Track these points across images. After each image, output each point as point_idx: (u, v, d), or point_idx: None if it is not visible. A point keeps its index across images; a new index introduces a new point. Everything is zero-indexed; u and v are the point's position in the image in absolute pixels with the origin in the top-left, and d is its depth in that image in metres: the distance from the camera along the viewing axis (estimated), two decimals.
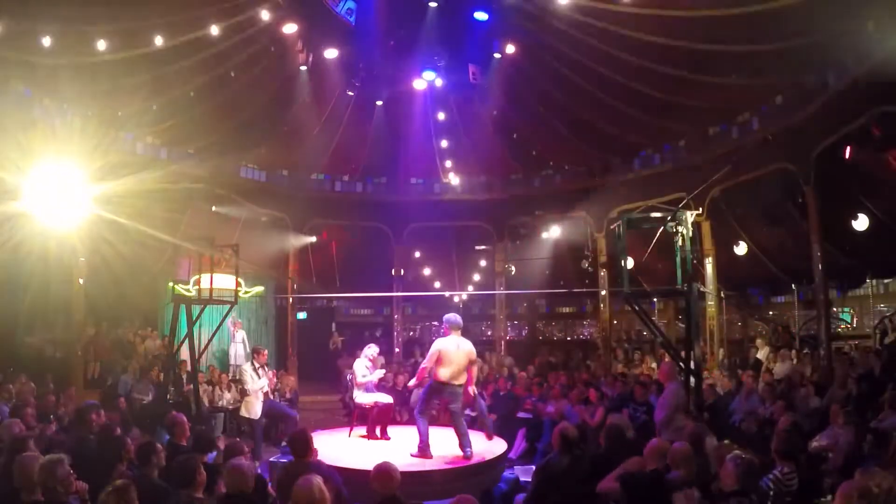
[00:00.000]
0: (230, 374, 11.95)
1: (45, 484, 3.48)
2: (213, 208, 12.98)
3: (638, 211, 10.43)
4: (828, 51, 8.92)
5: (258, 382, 8.51)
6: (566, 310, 18.34)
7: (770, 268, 13.50)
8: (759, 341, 12.01)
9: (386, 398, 8.24)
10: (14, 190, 10.32)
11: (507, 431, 9.09)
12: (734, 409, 8.30)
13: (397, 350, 15.42)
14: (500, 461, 7.27)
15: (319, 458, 5.13)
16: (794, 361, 10.27)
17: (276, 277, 14.78)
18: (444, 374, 6.93)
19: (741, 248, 13.32)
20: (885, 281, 12.72)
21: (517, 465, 7.99)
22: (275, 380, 9.30)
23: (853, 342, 12.04)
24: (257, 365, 8.59)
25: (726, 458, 3.99)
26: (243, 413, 8.81)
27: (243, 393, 8.89)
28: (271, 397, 8.78)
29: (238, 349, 12.79)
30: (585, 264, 13.44)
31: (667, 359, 9.15)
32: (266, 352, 9.02)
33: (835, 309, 12.96)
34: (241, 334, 13.04)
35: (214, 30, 10.53)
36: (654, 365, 12.34)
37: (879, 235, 10.60)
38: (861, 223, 10.56)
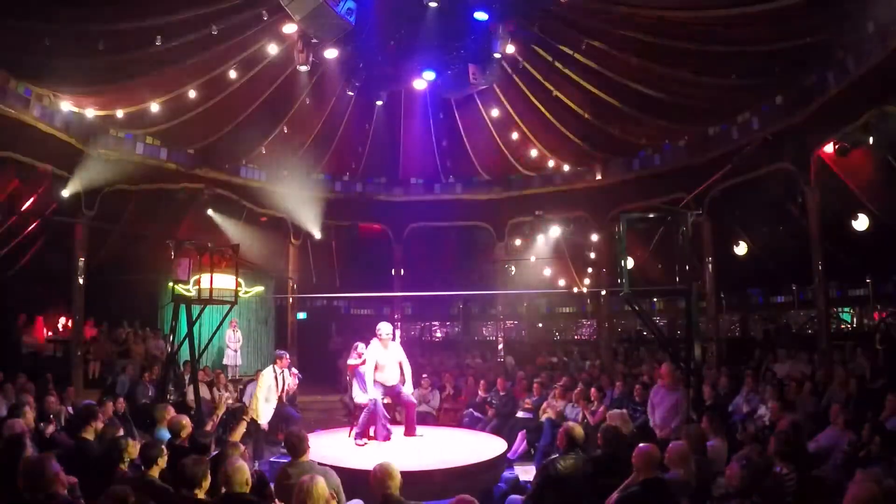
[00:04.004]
0: (228, 375, 11.96)
1: (34, 482, 3.45)
2: (209, 211, 12.98)
3: (638, 211, 10.43)
4: (828, 51, 8.93)
5: (273, 390, 8.21)
6: (566, 310, 18.33)
7: (770, 268, 13.51)
8: None
9: (386, 398, 8.21)
10: (15, 190, 10.38)
11: (507, 431, 9.10)
12: (734, 409, 8.30)
13: None
14: (500, 461, 7.27)
15: (319, 457, 5.13)
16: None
17: (276, 277, 14.79)
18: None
19: (741, 248, 13.32)
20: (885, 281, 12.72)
21: (517, 465, 8.00)
22: (296, 382, 9.08)
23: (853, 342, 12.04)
24: (279, 370, 8.35)
25: (733, 457, 3.97)
26: (256, 416, 8.55)
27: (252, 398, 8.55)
28: (284, 400, 8.62)
29: (233, 350, 12.78)
30: (592, 255, 13.42)
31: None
32: (287, 356, 8.72)
33: (835, 309, 12.97)
34: (238, 334, 13.04)
35: (214, 30, 10.51)
36: (655, 365, 12.33)
37: (879, 235, 10.60)
38: (861, 223, 10.56)
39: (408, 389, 7.94)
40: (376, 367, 7.54)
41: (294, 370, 8.95)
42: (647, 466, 4.03)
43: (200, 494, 3.78)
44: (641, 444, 4.17)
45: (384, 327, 7.80)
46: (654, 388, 7.57)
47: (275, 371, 8.32)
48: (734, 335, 15.37)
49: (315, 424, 10.12)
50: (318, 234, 14.67)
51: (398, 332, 15.54)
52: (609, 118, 12.94)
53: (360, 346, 8.44)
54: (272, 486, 4.68)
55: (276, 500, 4.23)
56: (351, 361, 8.16)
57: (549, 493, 4.59)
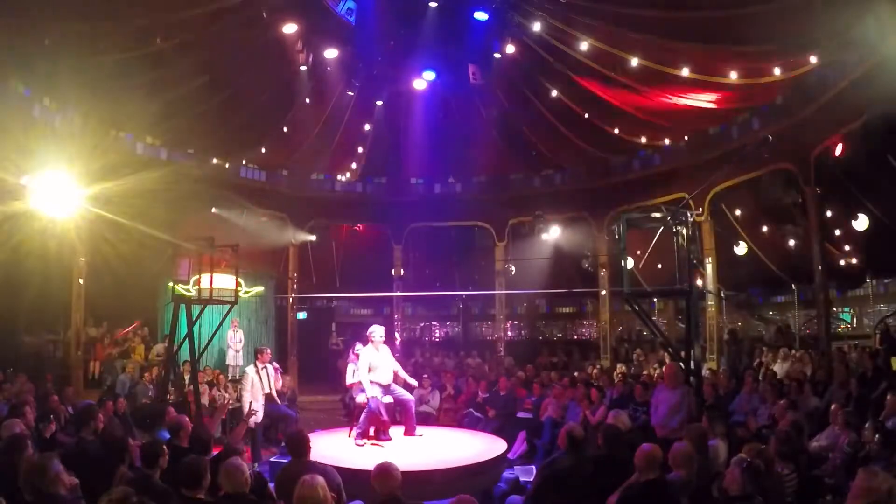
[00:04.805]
0: (229, 375, 11.93)
1: (35, 483, 3.45)
2: (214, 210, 12.97)
3: (638, 211, 10.45)
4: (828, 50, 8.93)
5: (258, 387, 8.16)
6: (566, 310, 18.32)
7: (770, 268, 13.50)
8: None
9: (386, 398, 8.20)
10: (15, 190, 10.35)
11: (507, 431, 9.09)
12: (734, 409, 8.29)
13: (396, 354, 15.41)
14: (500, 461, 7.27)
15: (319, 457, 5.12)
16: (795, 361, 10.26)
17: (276, 277, 14.78)
18: None
19: (741, 248, 13.31)
20: (886, 281, 12.71)
21: (517, 466, 7.99)
22: (279, 377, 9.08)
23: (853, 342, 12.03)
24: (260, 366, 8.35)
25: (732, 461, 3.94)
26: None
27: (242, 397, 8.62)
28: (276, 399, 8.59)
29: (235, 350, 12.78)
30: (585, 264, 13.46)
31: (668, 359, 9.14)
32: (269, 350, 8.76)
33: (835, 309, 12.97)
34: (239, 334, 13.03)
35: (214, 30, 10.52)
36: (655, 365, 12.33)
37: (879, 235, 10.60)
38: (861, 223, 10.55)
39: (412, 382, 8.20)
40: (370, 369, 7.61)
41: (275, 364, 8.92)
42: (649, 466, 4.01)
43: (200, 494, 3.78)
44: (644, 444, 4.16)
45: (377, 330, 7.89)
46: (657, 388, 7.57)
47: (256, 367, 8.28)
48: (734, 335, 15.35)
49: (315, 424, 10.10)
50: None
51: (397, 333, 15.56)
52: (609, 117, 12.95)
53: (360, 346, 8.45)
54: (272, 486, 4.68)
55: (276, 500, 4.23)
56: (349, 375, 8.18)
57: (549, 493, 4.59)
